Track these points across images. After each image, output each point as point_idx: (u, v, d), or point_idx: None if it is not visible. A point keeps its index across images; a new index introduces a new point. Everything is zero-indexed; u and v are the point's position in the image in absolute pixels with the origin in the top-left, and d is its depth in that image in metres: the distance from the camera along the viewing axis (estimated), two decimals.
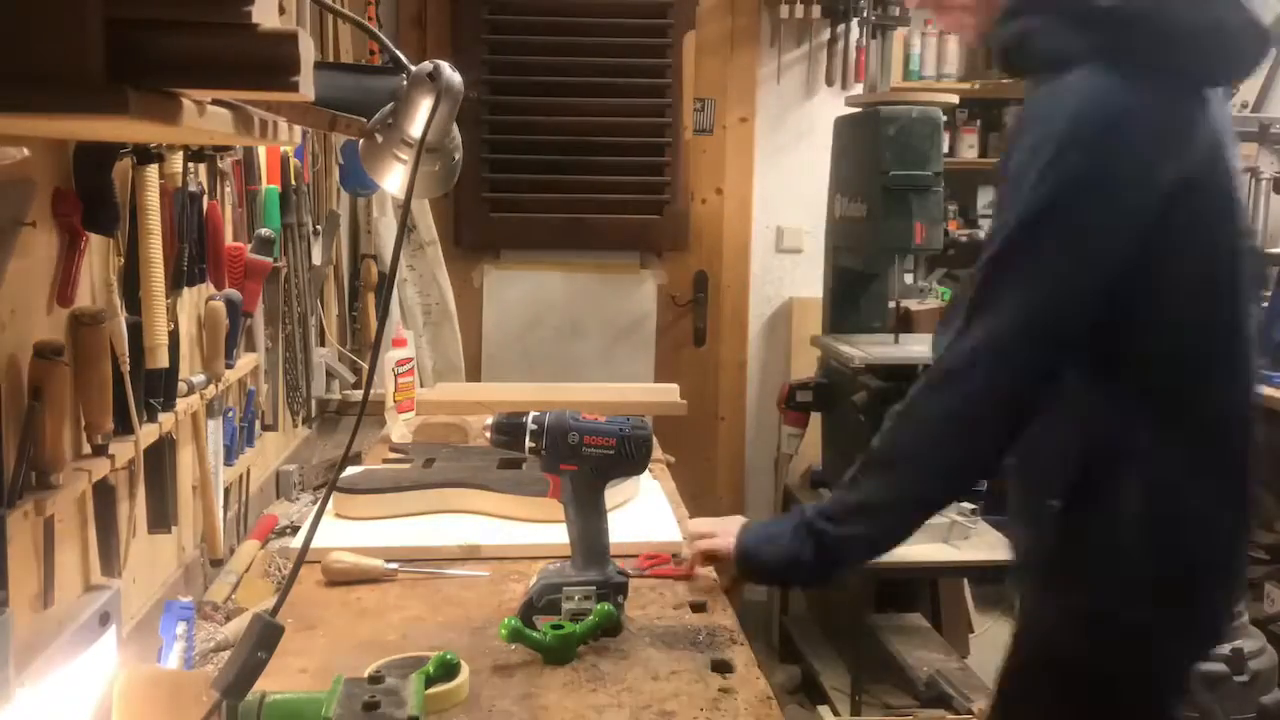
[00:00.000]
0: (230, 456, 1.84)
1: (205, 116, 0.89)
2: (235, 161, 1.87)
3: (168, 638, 1.34)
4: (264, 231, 1.95)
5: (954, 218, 4.25)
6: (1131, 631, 1.27)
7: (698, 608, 1.45)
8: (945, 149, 3.68)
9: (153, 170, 1.40)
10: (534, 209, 3.80)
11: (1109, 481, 1.25)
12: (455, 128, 1.25)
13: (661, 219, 3.87)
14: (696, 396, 3.33)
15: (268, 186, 2.06)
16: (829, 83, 3.87)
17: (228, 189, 1.83)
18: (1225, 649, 2.72)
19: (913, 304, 3.55)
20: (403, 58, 1.18)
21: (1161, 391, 1.25)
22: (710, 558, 1.48)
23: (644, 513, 1.79)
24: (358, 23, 1.41)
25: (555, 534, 1.66)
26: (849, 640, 3.12)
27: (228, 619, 1.57)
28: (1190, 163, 1.20)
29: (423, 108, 1.15)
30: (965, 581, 3.52)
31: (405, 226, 2.58)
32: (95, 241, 1.34)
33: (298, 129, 1.44)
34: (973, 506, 3.29)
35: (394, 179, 1.21)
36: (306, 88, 0.82)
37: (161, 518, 1.54)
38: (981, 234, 3.62)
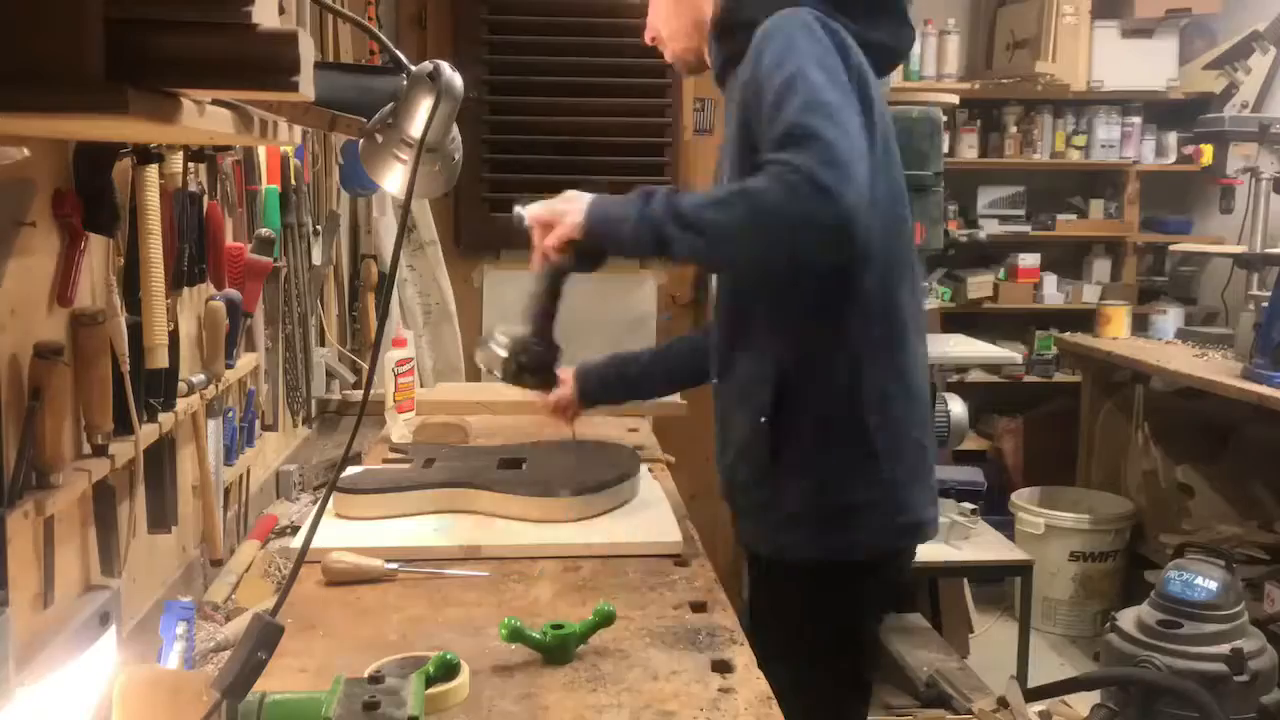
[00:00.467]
0: (230, 456, 1.84)
1: (205, 116, 0.89)
2: (235, 161, 1.87)
3: (168, 638, 1.33)
4: (264, 231, 1.95)
5: (954, 218, 4.25)
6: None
7: (698, 608, 1.44)
8: (945, 149, 3.68)
9: (153, 170, 1.40)
10: None
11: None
12: (455, 128, 1.25)
13: None
14: (697, 396, 3.32)
15: (268, 186, 2.06)
16: None
17: (228, 189, 1.83)
18: (1225, 649, 2.72)
19: None
20: (403, 58, 1.18)
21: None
22: (547, 226, 1.52)
23: (644, 513, 1.78)
24: (358, 23, 1.41)
25: (556, 534, 1.66)
26: None
27: (228, 619, 1.57)
28: (857, 69, 1.46)
29: (423, 108, 1.15)
30: (965, 581, 3.53)
31: (405, 226, 2.57)
32: (95, 241, 1.34)
33: (298, 129, 1.44)
34: (973, 507, 3.29)
35: (394, 179, 1.21)
36: (306, 88, 0.82)
37: (161, 518, 1.54)
38: (982, 234, 3.62)
